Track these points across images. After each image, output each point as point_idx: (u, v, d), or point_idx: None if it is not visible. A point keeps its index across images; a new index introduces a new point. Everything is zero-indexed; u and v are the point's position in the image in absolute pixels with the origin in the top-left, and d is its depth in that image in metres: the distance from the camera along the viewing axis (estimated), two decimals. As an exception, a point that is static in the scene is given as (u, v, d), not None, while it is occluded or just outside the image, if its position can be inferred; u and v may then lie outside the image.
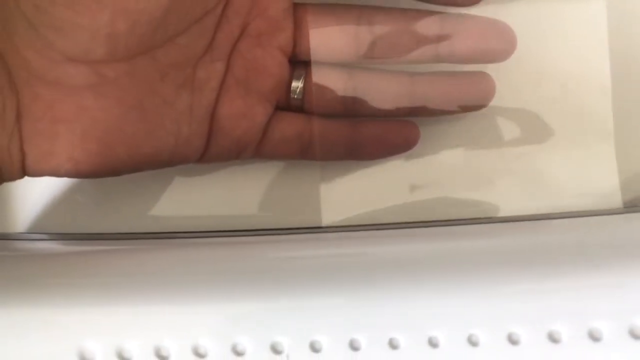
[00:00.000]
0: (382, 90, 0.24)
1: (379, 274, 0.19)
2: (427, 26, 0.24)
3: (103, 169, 0.22)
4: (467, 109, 0.25)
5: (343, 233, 0.24)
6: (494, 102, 0.25)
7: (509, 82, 0.26)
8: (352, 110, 0.25)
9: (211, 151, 0.24)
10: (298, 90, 0.25)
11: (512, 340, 0.18)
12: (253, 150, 0.24)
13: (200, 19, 0.22)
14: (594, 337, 0.18)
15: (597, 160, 0.26)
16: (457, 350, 0.18)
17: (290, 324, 0.18)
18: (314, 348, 0.18)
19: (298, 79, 0.25)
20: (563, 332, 0.18)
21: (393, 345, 0.18)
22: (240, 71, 0.23)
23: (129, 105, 0.21)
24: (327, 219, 0.26)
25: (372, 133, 0.25)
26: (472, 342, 0.18)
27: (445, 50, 0.24)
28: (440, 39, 0.24)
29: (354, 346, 0.18)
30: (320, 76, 0.24)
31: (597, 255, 0.20)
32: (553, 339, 0.18)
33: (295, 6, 0.24)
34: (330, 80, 0.24)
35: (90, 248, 0.23)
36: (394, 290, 0.19)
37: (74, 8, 0.19)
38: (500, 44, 0.24)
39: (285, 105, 0.25)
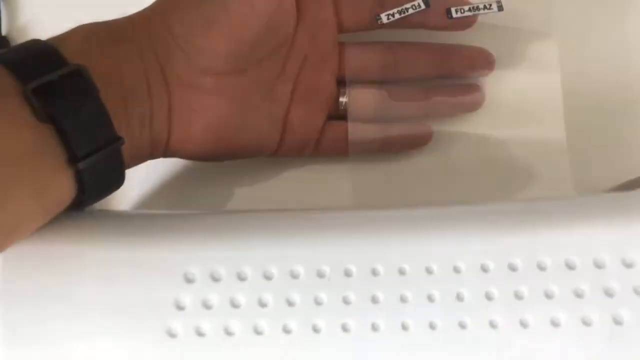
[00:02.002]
0: (404, 101, 0.34)
1: (395, 225, 0.28)
2: (435, 53, 0.34)
3: (214, 153, 0.31)
4: (465, 110, 0.35)
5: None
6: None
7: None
8: (382, 116, 0.34)
9: (283, 147, 0.33)
10: (344, 103, 0.34)
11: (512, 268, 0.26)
12: (312, 148, 0.34)
13: (276, 50, 0.31)
14: (541, 267, 0.26)
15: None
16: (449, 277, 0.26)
17: (330, 257, 0.27)
18: (347, 274, 0.26)
19: (344, 95, 0.34)
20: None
21: (401, 272, 0.26)
22: (303, 89, 0.33)
23: (234, 105, 0.30)
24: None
25: (398, 134, 0.34)
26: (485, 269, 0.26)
27: (446, 69, 0.33)
28: (443, 61, 0.33)
29: (375, 273, 0.26)
30: (357, 92, 0.34)
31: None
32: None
33: (340, 42, 0.34)
34: (365, 94, 0.34)
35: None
36: (403, 233, 0.27)
37: (209, 39, 0.28)
38: (485, 64, 0.33)
39: (335, 115, 0.34)
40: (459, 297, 0.26)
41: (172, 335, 0.26)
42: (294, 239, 0.27)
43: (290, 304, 0.26)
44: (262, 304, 0.26)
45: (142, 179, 0.36)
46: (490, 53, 0.34)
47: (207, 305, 0.26)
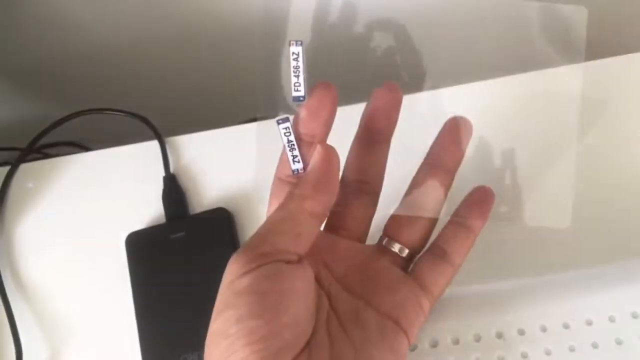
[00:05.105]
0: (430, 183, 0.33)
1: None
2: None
3: None
4: (466, 138, 0.33)
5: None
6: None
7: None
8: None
9: None
10: (400, 249, 0.33)
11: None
12: None
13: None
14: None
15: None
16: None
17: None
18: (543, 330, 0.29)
19: (392, 244, 0.33)
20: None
21: (565, 325, 0.28)
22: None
23: None
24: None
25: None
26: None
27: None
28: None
29: (543, 330, 0.28)
30: (398, 220, 0.33)
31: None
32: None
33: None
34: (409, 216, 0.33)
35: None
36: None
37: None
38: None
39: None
40: (571, 349, 0.30)
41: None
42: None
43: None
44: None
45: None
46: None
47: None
